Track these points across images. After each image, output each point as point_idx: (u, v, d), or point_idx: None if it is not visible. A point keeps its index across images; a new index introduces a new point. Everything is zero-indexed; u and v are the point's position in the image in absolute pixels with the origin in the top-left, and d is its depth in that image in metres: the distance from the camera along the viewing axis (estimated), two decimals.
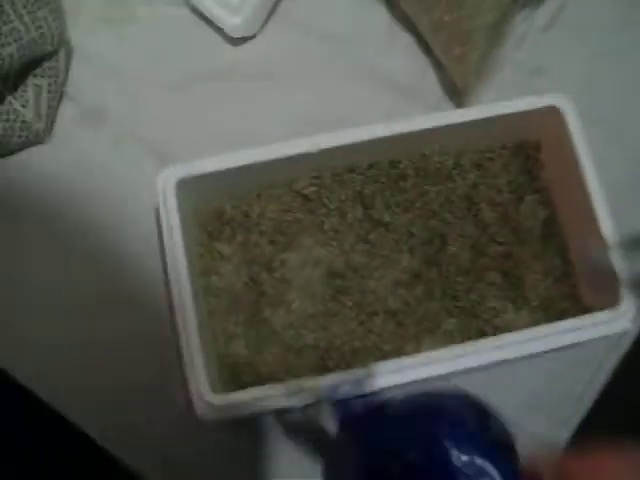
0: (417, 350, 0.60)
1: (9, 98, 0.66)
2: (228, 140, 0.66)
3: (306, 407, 0.55)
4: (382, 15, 0.72)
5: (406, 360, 0.54)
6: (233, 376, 0.59)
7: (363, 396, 0.48)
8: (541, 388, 0.65)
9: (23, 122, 0.66)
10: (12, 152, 0.68)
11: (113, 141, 0.69)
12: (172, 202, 0.57)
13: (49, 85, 0.67)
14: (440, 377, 0.55)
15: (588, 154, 0.59)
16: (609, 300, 0.56)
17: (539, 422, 0.64)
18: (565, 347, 0.57)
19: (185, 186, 0.58)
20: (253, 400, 0.54)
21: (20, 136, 0.67)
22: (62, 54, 0.68)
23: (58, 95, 0.68)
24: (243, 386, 0.59)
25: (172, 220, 0.57)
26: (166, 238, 0.57)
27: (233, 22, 0.68)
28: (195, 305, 0.55)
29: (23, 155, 0.68)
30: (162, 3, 0.71)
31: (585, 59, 0.71)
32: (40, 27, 0.64)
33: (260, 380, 0.59)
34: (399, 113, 0.69)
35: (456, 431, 0.42)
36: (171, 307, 0.63)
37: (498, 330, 0.60)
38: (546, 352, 0.56)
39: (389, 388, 0.55)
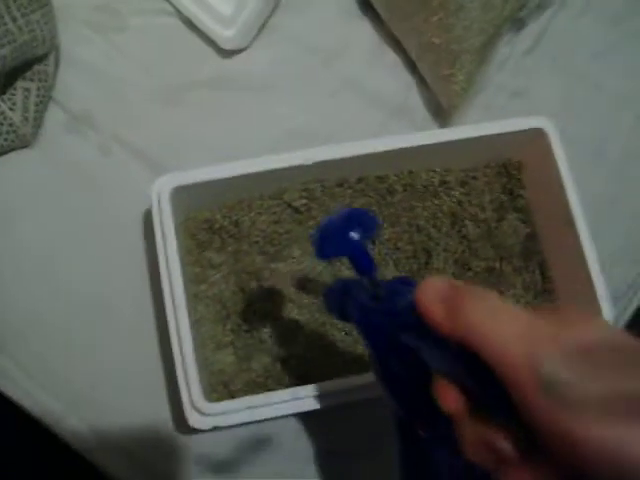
0: None
1: None
2: (215, 150, 0.68)
3: None
4: (369, 32, 0.73)
5: None
6: (221, 384, 0.60)
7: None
8: None
9: (10, 125, 0.66)
10: None
11: (99, 147, 0.69)
12: (167, 210, 0.57)
13: (38, 89, 0.67)
14: None
15: (570, 175, 0.61)
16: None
17: None
18: None
19: (178, 194, 0.58)
20: (246, 409, 0.54)
21: (6, 139, 0.66)
22: (52, 58, 0.68)
23: (46, 99, 0.68)
24: (231, 394, 0.60)
25: (166, 228, 0.57)
26: (159, 245, 0.57)
27: (226, 35, 0.69)
28: (188, 313, 0.55)
29: (7, 158, 0.68)
30: (153, 13, 0.72)
31: (563, 82, 0.74)
32: (33, 30, 0.64)
33: (248, 389, 0.60)
34: (384, 129, 0.71)
35: None
36: (158, 315, 0.64)
37: None
38: None
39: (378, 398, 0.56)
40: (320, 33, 0.73)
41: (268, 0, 0.69)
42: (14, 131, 0.66)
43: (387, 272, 0.64)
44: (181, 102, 0.70)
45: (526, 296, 0.64)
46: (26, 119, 0.67)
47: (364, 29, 0.73)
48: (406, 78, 0.72)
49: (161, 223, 0.57)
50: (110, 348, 0.64)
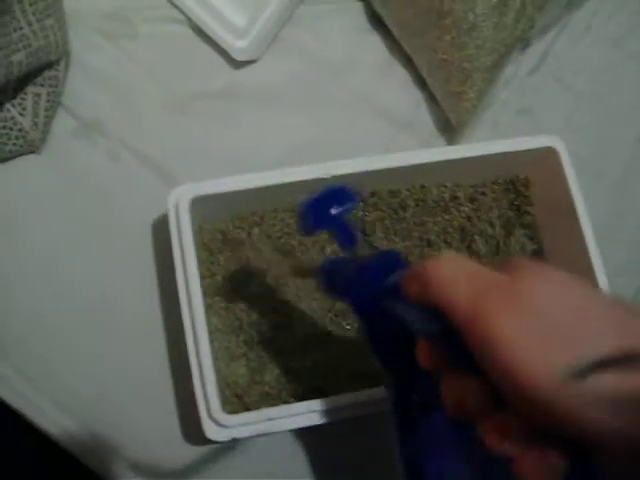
0: None
1: (7, 105, 0.65)
2: (223, 160, 0.68)
3: None
4: (379, 47, 0.74)
5: None
6: (235, 396, 0.60)
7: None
8: None
9: (20, 130, 0.65)
10: (3, 160, 0.67)
11: (107, 154, 0.68)
12: (186, 220, 0.57)
13: (48, 94, 0.67)
14: None
15: (579, 193, 0.62)
16: None
17: None
18: None
19: (194, 205, 0.58)
20: (264, 420, 0.54)
21: (15, 144, 0.66)
22: (63, 64, 0.67)
23: (55, 105, 0.68)
24: (245, 406, 0.60)
25: (185, 239, 0.57)
26: (176, 256, 0.57)
27: (239, 45, 0.69)
28: (207, 324, 0.55)
29: (15, 164, 0.67)
30: (163, 21, 0.71)
31: (567, 101, 0.76)
32: (47, 36, 0.63)
33: (262, 400, 0.60)
34: (392, 144, 0.72)
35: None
36: (166, 322, 0.64)
37: None
38: None
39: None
40: (330, 47, 0.73)
41: (283, 12, 0.69)
42: (23, 136, 0.66)
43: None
44: (190, 111, 0.70)
45: None
46: (35, 124, 0.66)
47: (374, 44, 0.74)
48: (415, 94, 0.73)
49: (179, 234, 0.57)
50: (115, 355, 0.64)
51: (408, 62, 0.73)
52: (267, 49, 0.72)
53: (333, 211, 0.45)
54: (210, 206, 0.61)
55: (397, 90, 0.73)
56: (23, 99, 0.66)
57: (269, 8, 0.68)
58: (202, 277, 0.62)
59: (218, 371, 0.60)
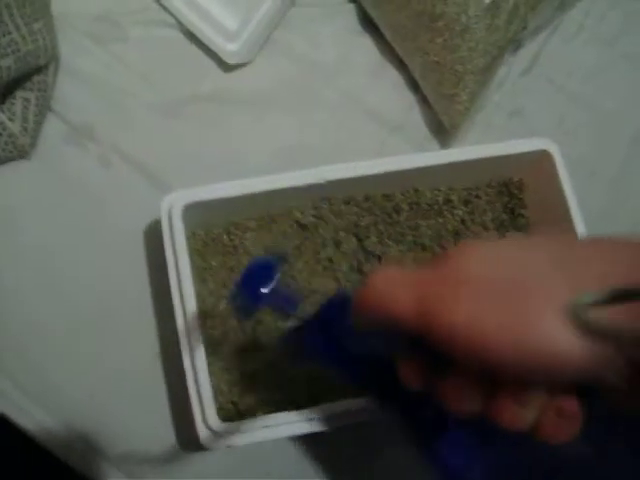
0: None
1: None
2: (214, 164, 0.68)
3: None
4: (371, 49, 0.74)
5: None
6: (229, 403, 0.60)
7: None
8: None
9: (9, 135, 0.65)
10: None
11: (98, 159, 0.68)
12: (179, 227, 0.57)
13: (37, 99, 0.66)
14: None
15: (573, 196, 0.62)
16: None
17: None
18: None
19: (187, 211, 0.58)
20: (261, 428, 0.54)
21: (4, 149, 0.65)
22: (52, 69, 0.67)
23: (45, 110, 0.67)
24: (240, 413, 0.59)
25: (178, 245, 0.57)
26: (169, 263, 0.57)
27: (230, 49, 0.68)
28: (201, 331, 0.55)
29: (5, 170, 0.66)
30: (153, 24, 0.71)
31: (559, 102, 0.76)
32: (36, 40, 0.63)
33: (257, 407, 0.59)
34: (384, 147, 0.71)
35: None
36: (160, 327, 0.64)
37: None
38: None
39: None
40: (322, 49, 0.73)
41: (274, 15, 0.69)
42: (12, 142, 0.65)
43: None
44: (181, 115, 0.70)
45: None
46: (25, 129, 0.66)
47: (366, 46, 0.74)
48: (407, 96, 0.73)
49: (172, 241, 0.57)
50: (109, 359, 0.64)
51: (400, 64, 0.73)
52: (259, 52, 0.71)
53: (263, 290, 0.45)
54: (203, 212, 0.60)
55: (389, 93, 0.73)
56: (12, 104, 0.65)
57: (260, 11, 0.67)
58: (195, 282, 0.62)
59: (212, 377, 0.60)
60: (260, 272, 0.46)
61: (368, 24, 0.73)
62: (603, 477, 0.38)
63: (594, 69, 0.77)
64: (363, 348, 0.41)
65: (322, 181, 0.60)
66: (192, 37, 0.71)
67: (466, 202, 0.67)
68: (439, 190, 0.66)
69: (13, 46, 0.61)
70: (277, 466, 0.64)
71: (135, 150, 0.68)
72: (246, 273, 0.45)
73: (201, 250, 0.62)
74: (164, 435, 0.63)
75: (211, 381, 0.59)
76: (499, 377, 0.33)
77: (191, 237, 0.62)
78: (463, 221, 0.66)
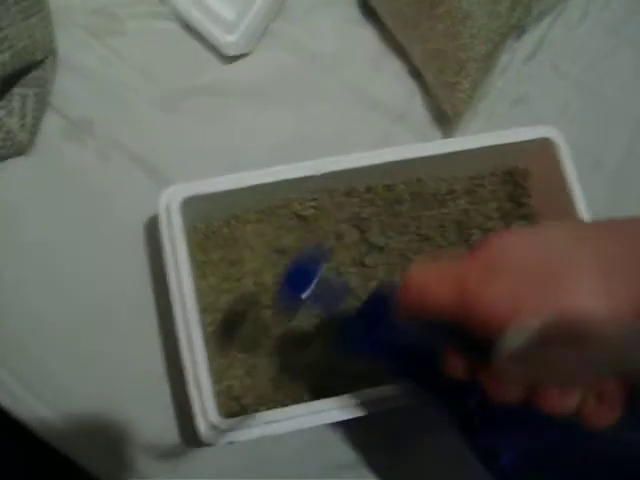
0: None
1: None
2: (216, 156, 0.67)
3: None
4: (372, 39, 0.73)
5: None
6: (231, 398, 0.59)
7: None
8: None
9: (7, 132, 0.64)
10: None
11: (98, 154, 0.67)
12: (178, 221, 0.56)
13: (35, 95, 0.65)
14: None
15: (578, 184, 0.61)
16: None
17: None
18: None
19: (185, 205, 0.57)
20: (262, 424, 0.53)
21: (3, 146, 0.65)
22: (49, 64, 0.66)
23: (43, 105, 0.67)
24: (242, 408, 0.59)
25: (177, 240, 0.56)
26: (167, 258, 0.56)
27: (228, 40, 0.68)
28: (201, 326, 0.54)
29: (4, 166, 0.66)
30: (151, 16, 0.70)
31: (563, 89, 0.74)
32: (31, 35, 0.62)
33: (259, 402, 0.59)
34: (387, 136, 0.70)
35: None
36: (162, 322, 0.63)
37: None
38: None
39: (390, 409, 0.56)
40: (322, 39, 0.72)
41: (272, 5, 0.68)
42: (11, 138, 0.65)
43: (395, 281, 0.63)
44: (181, 108, 0.69)
45: None
46: (23, 126, 0.65)
47: (366, 36, 0.73)
48: (409, 85, 0.72)
49: (170, 235, 0.56)
50: (112, 355, 0.63)
51: (401, 53, 0.72)
52: (257, 43, 0.70)
53: (305, 289, 0.46)
54: (202, 205, 0.60)
55: (391, 82, 0.72)
56: (9, 100, 0.65)
57: (258, 1, 0.67)
58: (196, 277, 0.61)
59: (214, 373, 0.59)
60: (301, 271, 0.47)
61: (368, 13, 0.72)
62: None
63: (598, 55, 0.76)
64: (406, 339, 0.42)
65: (320, 173, 0.59)
66: (190, 29, 0.70)
67: (469, 192, 0.66)
68: (442, 180, 0.65)
69: (9, 41, 0.60)
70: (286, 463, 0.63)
71: (135, 144, 0.68)
72: (287, 273, 0.47)
73: (202, 243, 0.62)
74: (168, 431, 0.62)
75: (212, 377, 0.59)
76: None
77: (191, 230, 0.62)
78: (466, 211, 0.65)
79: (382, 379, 0.57)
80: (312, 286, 0.46)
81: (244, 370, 0.60)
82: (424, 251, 0.64)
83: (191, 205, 0.58)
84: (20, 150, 0.66)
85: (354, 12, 0.73)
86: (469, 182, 0.66)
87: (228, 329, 0.61)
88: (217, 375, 0.60)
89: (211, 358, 0.60)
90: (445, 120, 0.71)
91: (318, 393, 0.59)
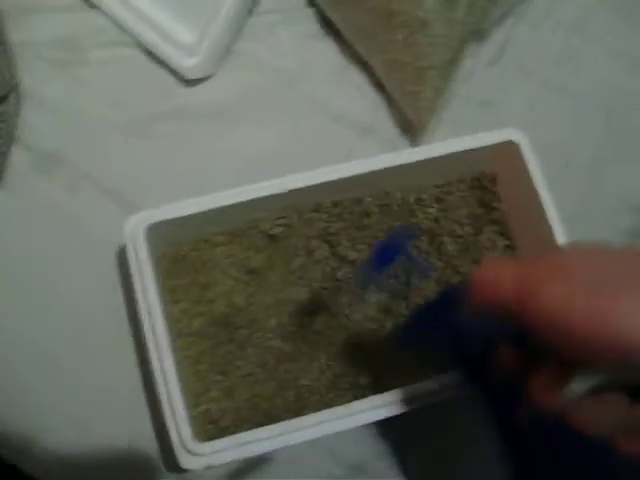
0: (394, 382, 0.61)
1: None
2: (186, 181, 0.67)
3: None
4: (334, 53, 0.73)
5: (387, 396, 0.55)
6: (209, 422, 0.59)
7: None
8: None
9: None
10: None
11: (68, 185, 0.68)
12: (143, 249, 0.56)
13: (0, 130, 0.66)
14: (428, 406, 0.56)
15: (544, 184, 0.61)
16: None
17: None
18: None
19: (152, 232, 0.57)
20: (237, 446, 0.53)
21: None
22: (12, 98, 0.66)
23: (9, 141, 0.67)
24: (220, 431, 0.59)
25: (144, 268, 0.56)
26: (136, 286, 0.56)
27: (189, 64, 0.68)
28: (173, 353, 0.54)
29: None
30: (114, 45, 0.71)
31: (530, 90, 0.74)
32: None
33: (237, 424, 0.59)
34: (353, 149, 0.71)
35: None
36: (139, 349, 0.63)
37: None
38: None
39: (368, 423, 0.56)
40: (284, 56, 0.72)
41: (230, 26, 0.68)
42: None
43: (367, 294, 0.63)
44: (148, 135, 0.69)
45: None
46: None
47: (328, 50, 0.73)
48: (373, 97, 0.72)
49: (137, 263, 0.56)
50: (89, 381, 0.63)
51: (363, 66, 0.72)
52: (220, 64, 0.71)
53: (405, 246, 0.51)
54: (170, 231, 0.60)
55: (355, 95, 0.72)
56: None
57: (216, 23, 0.67)
58: (168, 303, 0.61)
59: (191, 397, 0.59)
60: (389, 247, 0.51)
61: (328, 28, 0.73)
62: None
63: (564, 54, 0.76)
64: (471, 332, 0.44)
65: (286, 190, 0.59)
66: (153, 55, 0.70)
67: (438, 199, 0.66)
68: (409, 190, 0.65)
69: None
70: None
71: (104, 173, 0.68)
72: (377, 248, 0.51)
73: (172, 268, 0.62)
74: (152, 458, 0.62)
75: (189, 401, 0.59)
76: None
77: (161, 256, 0.62)
78: (436, 219, 0.65)
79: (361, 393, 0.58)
80: (396, 261, 0.50)
81: (221, 392, 0.60)
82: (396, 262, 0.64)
83: (158, 231, 0.58)
84: None
85: (314, 27, 0.73)
86: (437, 190, 0.66)
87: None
88: (194, 399, 0.59)
89: (187, 382, 0.60)
90: (411, 130, 0.71)
91: (295, 412, 0.59)
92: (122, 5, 0.69)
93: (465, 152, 0.62)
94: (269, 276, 0.63)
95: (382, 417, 0.55)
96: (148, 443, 0.63)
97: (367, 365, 0.61)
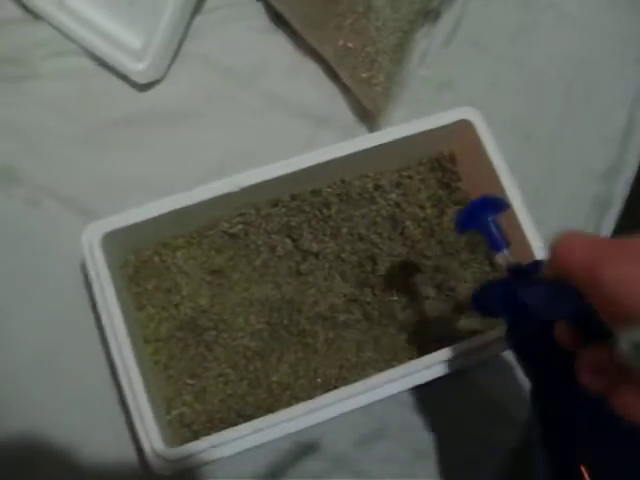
0: (361, 373, 0.60)
1: None
2: (147, 187, 0.66)
3: None
4: (286, 46, 0.72)
5: (353, 388, 0.55)
6: (183, 426, 0.59)
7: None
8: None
9: None
10: None
11: (27, 200, 0.67)
12: (100, 258, 0.56)
13: None
14: (389, 397, 0.56)
15: (502, 161, 0.61)
16: None
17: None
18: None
19: (110, 240, 0.57)
20: (208, 449, 0.53)
21: None
22: None
23: None
24: (195, 434, 0.58)
25: (102, 276, 0.56)
26: (97, 294, 0.56)
27: (138, 68, 0.67)
28: (137, 360, 0.54)
29: None
30: (62, 56, 0.70)
31: (487, 67, 0.74)
32: None
33: (211, 425, 0.59)
34: (314, 140, 0.70)
35: None
36: (112, 365, 0.63)
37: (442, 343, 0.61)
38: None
39: (335, 417, 0.55)
40: (236, 53, 0.72)
41: (176, 27, 0.67)
42: None
43: (334, 285, 0.63)
44: (104, 143, 0.69)
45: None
46: None
47: (280, 43, 0.72)
48: (329, 86, 0.71)
49: (96, 272, 0.56)
50: (66, 407, 0.62)
51: (316, 56, 0.71)
52: (171, 66, 0.70)
53: (485, 216, 0.51)
54: (129, 237, 0.59)
55: (310, 86, 0.71)
56: None
57: (161, 25, 0.66)
58: (133, 309, 0.61)
59: (164, 402, 0.59)
60: (490, 202, 0.53)
61: (278, 20, 0.72)
62: None
63: (518, 27, 0.75)
64: (541, 304, 0.43)
65: (240, 188, 0.58)
66: (103, 63, 0.69)
67: (398, 184, 0.65)
68: (367, 177, 0.64)
69: None
70: None
71: (62, 185, 0.67)
72: (479, 198, 0.53)
73: (135, 275, 0.61)
74: (130, 466, 0.62)
75: (164, 407, 0.59)
76: None
77: (124, 265, 0.61)
78: (398, 204, 0.65)
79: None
80: (490, 217, 0.51)
81: (193, 396, 0.59)
82: (360, 250, 0.64)
83: (117, 238, 0.58)
84: None
85: (264, 21, 0.72)
86: (396, 175, 0.65)
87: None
88: (167, 404, 0.59)
89: (160, 387, 0.60)
90: (369, 117, 0.70)
91: (268, 409, 0.59)
92: (67, 15, 0.68)
93: (421, 134, 0.62)
94: (233, 275, 0.62)
95: (354, 407, 0.55)
96: (129, 450, 0.62)
97: (334, 358, 0.61)
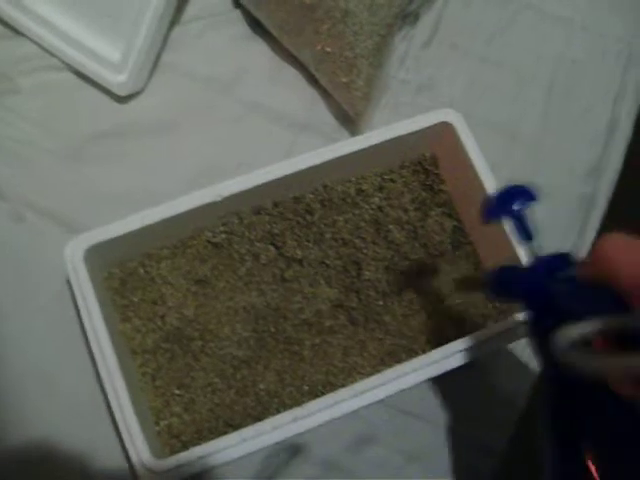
0: (348, 379, 0.60)
1: None
2: (130, 199, 0.66)
3: None
4: (265, 53, 0.72)
5: (340, 393, 0.55)
6: (172, 437, 0.59)
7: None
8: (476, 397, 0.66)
9: None
10: None
11: (10, 216, 0.67)
12: (83, 273, 0.56)
13: None
14: (377, 402, 0.56)
15: (483, 162, 0.61)
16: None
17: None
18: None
19: (93, 253, 0.57)
20: (196, 459, 0.53)
21: None
22: None
23: None
24: (184, 445, 0.58)
25: (85, 290, 0.56)
26: (81, 308, 0.56)
27: (118, 80, 0.67)
28: (122, 372, 0.54)
29: None
30: (43, 70, 0.70)
31: (467, 68, 0.74)
32: None
33: (200, 436, 0.59)
34: (295, 146, 0.70)
35: None
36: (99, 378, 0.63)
37: (427, 346, 0.62)
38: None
39: (324, 423, 0.55)
40: (215, 62, 0.72)
41: (154, 39, 0.67)
42: None
43: (319, 291, 0.63)
44: (86, 156, 0.69)
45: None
46: None
47: (260, 51, 0.72)
48: (309, 92, 0.72)
49: (79, 288, 0.56)
50: (56, 420, 0.62)
51: (297, 62, 0.71)
52: (151, 78, 0.70)
53: (515, 206, 0.50)
54: (112, 250, 0.59)
55: (291, 93, 0.71)
56: None
57: (140, 37, 0.66)
58: (119, 322, 0.61)
59: (153, 414, 0.59)
60: (519, 192, 0.50)
61: (257, 27, 0.72)
62: None
63: (497, 28, 0.75)
64: (576, 304, 0.42)
65: (222, 197, 0.59)
66: (83, 76, 0.70)
67: (380, 188, 0.65)
68: (349, 182, 0.65)
69: None
70: None
71: (46, 200, 0.67)
72: (507, 187, 0.51)
73: (120, 288, 0.61)
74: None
75: (153, 419, 0.59)
76: None
77: (108, 277, 0.61)
78: (380, 208, 0.65)
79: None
80: (522, 208, 0.50)
81: (181, 406, 0.59)
82: (344, 255, 0.64)
83: (100, 251, 0.58)
84: None
85: (243, 29, 0.73)
86: (379, 179, 0.65)
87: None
88: (156, 415, 0.59)
89: (148, 399, 0.60)
90: (350, 121, 0.70)
91: (257, 416, 0.59)
92: (46, 29, 0.68)
93: (402, 137, 0.62)
94: (218, 284, 0.62)
95: (342, 413, 0.55)
96: (121, 462, 0.62)
97: (321, 364, 0.61)
